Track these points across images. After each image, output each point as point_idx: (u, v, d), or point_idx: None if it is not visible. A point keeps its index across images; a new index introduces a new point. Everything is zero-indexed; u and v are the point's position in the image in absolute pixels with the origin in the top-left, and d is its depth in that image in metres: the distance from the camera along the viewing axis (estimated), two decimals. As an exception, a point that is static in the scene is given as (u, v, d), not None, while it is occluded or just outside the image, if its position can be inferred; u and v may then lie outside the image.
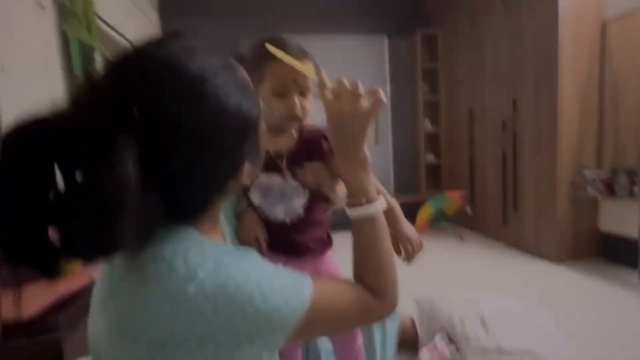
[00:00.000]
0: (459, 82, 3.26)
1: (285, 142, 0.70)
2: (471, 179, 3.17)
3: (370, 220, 0.50)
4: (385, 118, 3.65)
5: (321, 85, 0.49)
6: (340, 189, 0.73)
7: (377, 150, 3.68)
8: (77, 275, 1.19)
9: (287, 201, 0.69)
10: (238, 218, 0.70)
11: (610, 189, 2.03)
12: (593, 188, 2.10)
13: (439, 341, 0.76)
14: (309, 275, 0.45)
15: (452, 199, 3.05)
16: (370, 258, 0.50)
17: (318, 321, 0.43)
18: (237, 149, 0.41)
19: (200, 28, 3.26)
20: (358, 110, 0.47)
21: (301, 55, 0.61)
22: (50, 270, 0.33)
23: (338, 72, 0.61)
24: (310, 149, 0.70)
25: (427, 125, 3.65)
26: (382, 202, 0.51)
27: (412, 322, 0.88)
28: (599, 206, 2.31)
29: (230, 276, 0.38)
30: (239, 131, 0.40)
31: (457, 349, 0.73)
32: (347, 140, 0.50)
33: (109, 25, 2.02)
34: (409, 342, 0.87)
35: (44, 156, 0.31)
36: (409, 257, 0.70)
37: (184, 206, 0.40)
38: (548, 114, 2.26)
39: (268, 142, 0.67)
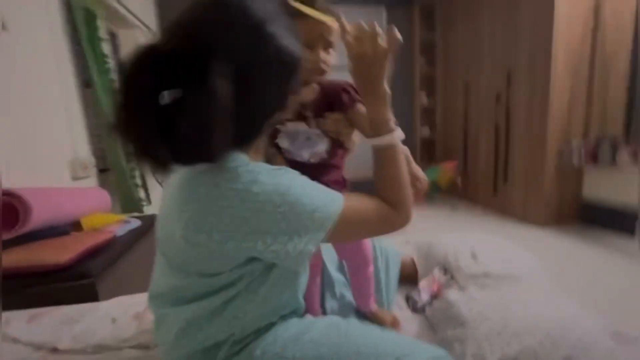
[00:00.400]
0: (456, 55, 3.30)
1: (309, 94, 0.77)
2: (464, 151, 3.28)
3: (391, 147, 0.59)
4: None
5: (343, 30, 0.57)
6: (356, 138, 0.83)
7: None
8: (102, 231, 1.29)
9: (312, 145, 0.77)
10: (268, 162, 0.79)
11: (594, 157, 2.16)
12: (578, 156, 2.23)
13: (436, 273, 0.89)
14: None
15: (445, 170, 3.18)
16: (390, 177, 0.59)
17: (348, 224, 0.53)
18: (287, 80, 0.50)
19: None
20: (377, 50, 0.55)
21: (325, 8, 0.67)
22: (163, 168, 0.45)
23: (336, 42, 0.68)
24: (331, 101, 0.78)
25: (423, 98, 3.71)
26: (400, 133, 0.60)
27: (412, 260, 1.01)
28: (584, 174, 2.45)
29: (282, 182, 0.49)
30: (289, 65, 0.49)
31: (451, 277, 0.85)
32: (369, 78, 0.57)
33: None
34: (410, 277, 1.00)
35: (160, 77, 0.41)
36: (417, 194, 0.80)
37: (247, 127, 0.50)
38: (540, 87, 2.35)
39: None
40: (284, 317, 0.60)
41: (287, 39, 0.48)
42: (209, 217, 0.47)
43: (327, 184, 0.76)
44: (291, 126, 0.77)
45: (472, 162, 3.20)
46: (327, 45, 0.70)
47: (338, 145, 0.79)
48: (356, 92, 0.77)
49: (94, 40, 1.67)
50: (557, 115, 2.32)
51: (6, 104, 1.21)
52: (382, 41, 0.55)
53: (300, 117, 0.76)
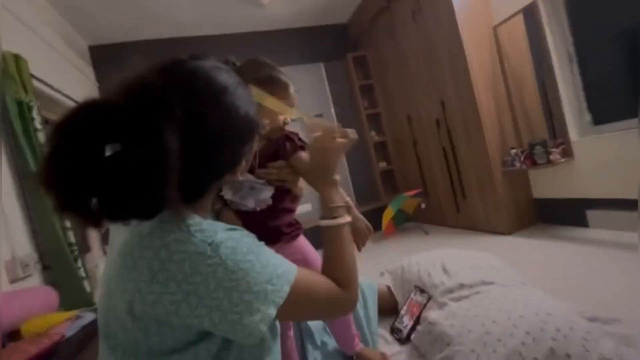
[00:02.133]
0: (393, 93, 3.61)
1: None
2: (421, 177, 3.44)
3: (338, 229, 0.62)
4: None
5: (310, 128, 0.67)
6: (303, 184, 0.85)
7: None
8: (46, 335, 1.13)
9: (256, 194, 0.77)
10: (217, 217, 0.77)
11: (532, 160, 2.37)
12: (519, 162, 2.43)
13: (414, 295, 0.87)
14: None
15: (409, 198, 3.29)
16: (337, 258, 0.60)
17: (299, 303, 0.50)
18: (240, 147, 0.52)
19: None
20: (335, 146, 0.63)
21: (287, 87, 0.78)
22: (93, 224, 0.41)
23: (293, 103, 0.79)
24: (275, 149, 0.81)
25: (374, 135, 3.94)
26: (347, 217, 0.64)
27: (389, 288, 0.98)
28: (529, 177, 2.66)
29: (238, 246, 0.46)
30: (244, 133, 0.52)
31: (430, 297, 0.84)
32: (324, 168, 0.65)
33: (45, 83, 2.00)
34: (390, 308, 0.96)
35: (101, 132, 0.39)
36: (358, 245, 0.83)
37: (192, 187, 0.48)
38: (470, 108, 2.61)
39: None
40: None
41: (246, 108, 0.50)
42: (155, 285, 0.43)
43: (279, 228, 0.75)
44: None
45: (431, 186, 3.35)
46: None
47: (285, 191, 0.80)
48: (299, 139, 0.82)
49: (29, 131, 1.62)
50: (491, 129, 2.56)
51: None
52: (339, 137, 0.64)
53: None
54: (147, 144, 0.39)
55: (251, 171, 0.79)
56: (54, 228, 1.59)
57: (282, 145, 0.82)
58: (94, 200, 0.39)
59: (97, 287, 1.91)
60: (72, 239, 1.70)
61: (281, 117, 0.79)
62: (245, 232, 0.50)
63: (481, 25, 2.59)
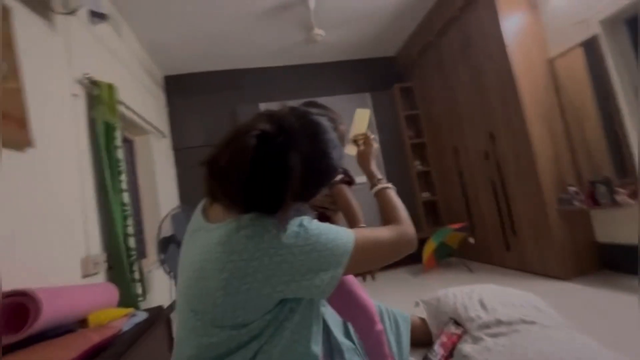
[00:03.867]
0: (439, 124, 3.58)
1: None
2: (467, 210, 3.30)
3: (386, 189, 0.87)
4: (380, 164, 3.91)
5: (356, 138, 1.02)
6: (339, 216, 0.98)
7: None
8: (107, 327, 1.27)
9: (300, 216, 0.86)
10: None
11: (594, 200, 2.18)
12: (578, 201, 2.25)
13: (449, 327, 0.85)
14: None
15: (453, 231, 3.15)
16: (392, 210, 0.81)
17: (363, 251, 0.66)
18: (324, 183, 0.70)
19: (201, 103, 3.66)
20: (370, 149, 0.98)
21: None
22: (235, 209, 0.63)
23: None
24: None
25: (418, 165, 3.89)
26: (389, 184, 0.88)
27: (423, 320, 0.96)
28: (591, 218, 2.43)
29: (307, 230, 0.61)
30: (332, 176, 0.71)
31: (465, 330, 0.81)
32: (366, 162, 0.97)
33: (128, 108, 2.33)
34: (423, 339, 0.95)
35: (260, 149, 0.60)
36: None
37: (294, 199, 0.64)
38: (522, 141, 2.50)
39: None
40: None
41: (337, 159, 0.69)
42: (253, 262, 0.56)
43: None
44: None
45: (478, 220, 3.19)
46: None
47: (325, 218, 0.87)
48: (347, 174, 1.00)
49: (110, 148, 1.89)
50: (545, 164, 2.42)
51: (30, 207, 1.33)
52: (372, 141, 0.99)
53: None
54: (282, 162, 0.59)
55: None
56: (117, 233, 1.79)
57: None
58: (242, 193, 0.59)
59: (149, 290, 2.09)
60: (132, 244, 1.90)
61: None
62: (310, 219, 0.65)
63: (535, 57, 2.53)
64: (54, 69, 1.65)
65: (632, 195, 2.07)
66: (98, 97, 1.88)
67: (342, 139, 1.06)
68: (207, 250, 0.61)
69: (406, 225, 0.76)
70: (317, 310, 0.67)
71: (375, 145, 0.99)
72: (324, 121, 0.69)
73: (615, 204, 2.08)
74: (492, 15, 2.57)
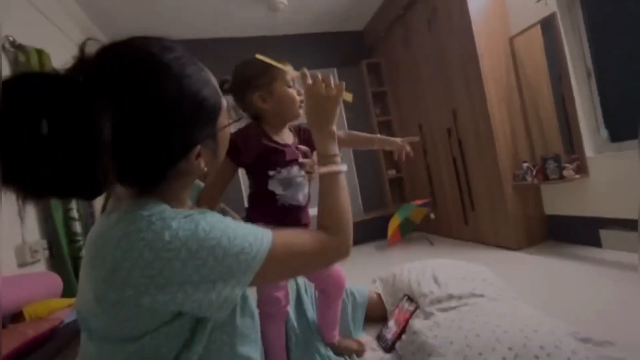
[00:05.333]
0: (405, 101, 3.59)
1: (289, 137, 0.84)
2: (431, 186, 3.40)
3: (334, 175, 0.64)
4: (345, 141, 3.88)
5: (304, 75, 0.68)
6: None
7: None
8: (46, 319, 1.17)
9: (303, 188, 0.82)
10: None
11: (544, 175, 2.31)
12: (530, 176, 2.37)
13: (402, 304, 0.85)
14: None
15: (417, 207, 3.25)
16: (331, 205, 0.62)
17: (280, 261, 0.51)
18: (188, 129, 0.49)
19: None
20: (329, 93, 0.65)
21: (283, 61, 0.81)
22: (27, 198, 0.39)
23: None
24: (311, 143, 0.84)
25: (384, 143, 3.92)
26: (344, 165, 0.66)
27: (379, 296, 0.97)
28: (541, 192, 2.58)
29: (199, 225, 0.46)
30: (192, 115, 0.49)
31: (418, 306, 0.82)
32: (321, 117, 0.66)
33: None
34: (380, 315, 0.95)
35: (40, 103, 0.37)
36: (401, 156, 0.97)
37: (141, 172, 0.48)
38: (482, 119, 2.57)
39: (278, 137, 0.84)
40: None
41: (196, 87, 0.49)
42: (119, 272, 0.43)
43: (306, 219, 0.78)
44: (285, 173, 0.80)
45: (439, 196, 3.30)
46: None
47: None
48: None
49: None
50: (503, 141, 2.51)
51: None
52: (334, 88, 0.67)
53: (294, 161, 0.80)
54: (76, 122, 0.38)
55: (298, 164, 0.82)
56: (57, 217, 1.64)
57: (306, 132, 0.88)
58: (29, 174, 0.37)
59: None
60: (79, 229, 1.75)
61: (289, 77, 0.85)
62: (210, 213, 0.50)
63: (497, 35, 2.55)
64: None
65: (577, 169, 2.22)
66: (24, 63, 1.65)
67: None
68: (87, 248, 0.49)
69: (343, 237, 0.60)
70: (242, 306, 0.55)
71: (346, 94, 0.70)
72: (156, 46, 0.47)
73: (562, 178, 2.21)
74: (457, -11, 2.54)
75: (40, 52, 1.74)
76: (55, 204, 1.64)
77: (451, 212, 3.16)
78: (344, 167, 0.66)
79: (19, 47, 1.64)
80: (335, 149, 0.66)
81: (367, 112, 3.96)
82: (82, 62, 0.44)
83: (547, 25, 2.31)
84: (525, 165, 2.43)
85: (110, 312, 0.45)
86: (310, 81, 0.66)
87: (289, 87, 0.84)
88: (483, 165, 2.66)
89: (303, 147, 0.87)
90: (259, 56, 0.74)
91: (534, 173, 2.36)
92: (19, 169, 0.37)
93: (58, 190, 0.40)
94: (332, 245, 0.57)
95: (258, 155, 0.77)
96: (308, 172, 0.85)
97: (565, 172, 2.20)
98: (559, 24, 2.24)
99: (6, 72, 1.60)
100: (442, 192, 3.25)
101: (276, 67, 0.79)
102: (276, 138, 0.84)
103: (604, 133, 2.23)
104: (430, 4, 2.92)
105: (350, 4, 3.46)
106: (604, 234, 2.16)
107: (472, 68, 2.56)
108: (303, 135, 0.91)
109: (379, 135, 1.04)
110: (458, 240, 3.08)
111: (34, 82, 0.38)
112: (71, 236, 1.72)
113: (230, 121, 0.59)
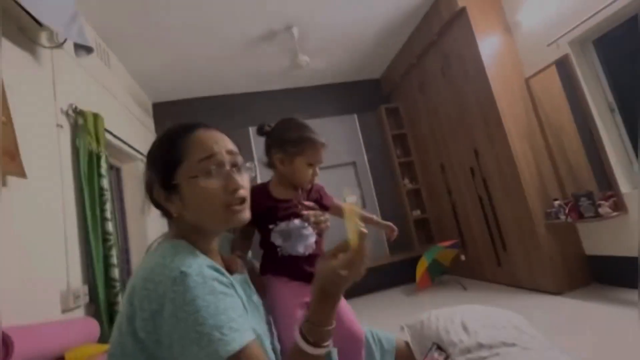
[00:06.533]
0: (426, 142, 3.65)
1: (295, 194, 0.92)
2: (458, 226, 3.31)
3: (314, 358, 0.54)
4: (368, 183, 3.94)
5: (362, 237, 0.55)
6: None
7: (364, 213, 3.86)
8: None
9: (305, 239, 0.86)
10: (232, 248, 0.86)
11: (578, 213, 2.21)
12: (564, 214, 2.28)
13: (431, 353, 0.83)
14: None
15: (444, 248, 3.14)
16: None
17: None
18: (164, 168, 0.62)
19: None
20: (361, 268, 0.55)
21: (316, 146, 0.95)
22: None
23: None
24: (315, 197, 0.93)
25: (407, 183, 3.93)
26: (329, 346, 0.56)
27: (407, 344, 0.95)
28: (578, 231, 2.45)
29: (205, 283, 0.50)
30: (165, 158, 0.62)
31: (447, 356, 0.80)
32: (341, 285, 0.55)
33: (115, 136, 2.34)
34: (407, 364, 0.93)
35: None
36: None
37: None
38: (506, 157, 2.56)
39: (282, 194, 0.92)
40: None
41: (165, 143, 0.66)
42: (134, 299, 0.51)
43: (314, 273, 0.79)
44: (284, 225, 0.87)
45: (468, 237, 3.20)
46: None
47: (319, 235, 0.88)
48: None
49: (94, 177, 1.87)
50: (529, 178, 2.46)
51: (11, 238, 1.30)
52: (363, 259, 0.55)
53: (293, 215, 0.87)
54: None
55: (299, 217, 0.89)
56: (97, 264, 1.75)
57: (323, 193, 0.96)
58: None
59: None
60: (116, 275, 1.85)
61: (317, 172, 0.95)
62: (221, 278, 0.53)
63: (512, 77, 2.63)
64: (40, 101, 1.67)
65: (614, 207, 2.11)
66: (83, 126, 1.89)
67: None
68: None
69: None
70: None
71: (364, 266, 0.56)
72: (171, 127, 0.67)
73: (599, 216, 2.11)
74: (468, 38, 2.69)
75: (95, 116, 2.00)
76: (97, 250, 1.77)
77: (482, 254, 3.03)
78: (329, 348, 0.55)
79: (79, 113, 1.89)
80: (330, 321, 0.56)
81: (388, 154, 4.04)
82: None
83: (562, 65, 2.36)
84: (556, 202, 2.35)
85: (123, 341, 0.51)
86: (361, 255, 0.54)
87: (310, 165, 0.92)
88: (510, 203, 2.60)
89: (309, 203, 0.93)
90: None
91: (566, 211, 2.27)
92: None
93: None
94: None
95: (260, 212, 0.83)
96: (316, 223, 0.90)
97: (601, 210, 2.11)
98: (573, 64, 2.29)
99: (67, 133, 1.83)
100: (470, 232, 3.16)
101: (309, 143, 0.91)
102: (276, 194, 0.93)
103: (637, 167, 2.15)
104: (442, 52, 3.08)
105: (367, 55, 3.71)
106: (654, 276, 1.99)
107: (490, 109, 2.62)
108: (311, 193, 0.98)
109: (374, 217, 1.22)
110: (492, 284, 2.92)
111: None
112: (109, 281, 1.81)
113: (202, 173, 0.59)
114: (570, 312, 2.00)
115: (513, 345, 0.75)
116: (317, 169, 0.95)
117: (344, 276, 0.53)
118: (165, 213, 0.64)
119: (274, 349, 0.72)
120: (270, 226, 0.88)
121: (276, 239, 0.88)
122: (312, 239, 0.89)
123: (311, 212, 0.90)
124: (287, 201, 0.91)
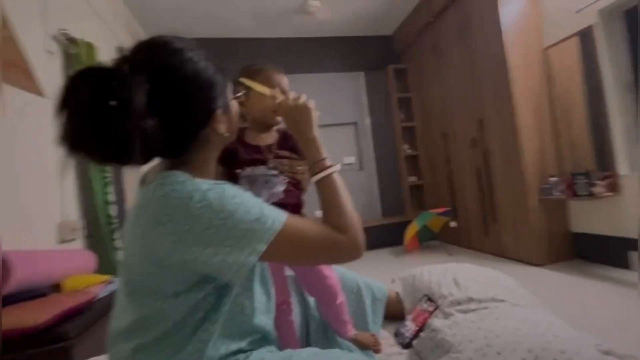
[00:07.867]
0: (431, 108, 3.57)
1: (267, 139, 0.87)
2: (452, 195, 3.36)
3: (327, 180, 0.66)
4: (368, 145, 3.90)
5: (272, 96, 0.74)
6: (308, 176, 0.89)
7: (362, 175, 3.87)
8: (82, 292, 1.26)
9: (270, 187, 0.84)
10: None
11: (573, 191, 2.24)
12: (558, 191, 2.30)
13: (421, 304, 0.87)
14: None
15: (436, 215, 3.21)
16: (333, 206, 0.64)
17: (289, 242, 0.55)
18: (206, 101, 0.58)
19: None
20: (298, 105, 0.70)
21: (270, 73, 0.88)
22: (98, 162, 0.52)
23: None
24: (291, 144, 0.87)
25: (406, 149, 3.90)
26: (336, 165, 0.68)
27: (397, 295, 0.99)
28: (568, 209, 2.50)
29: (225, 191, 0.53)
30: (207, 88, 0.58)
31: (437, 307, 0.84)
32: (298, 127, 0.70)
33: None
34: (397, 313, 0.97)
35: (98, 87, 0.48)
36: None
37: (172, 140, 0.56)
38: (510, 130, 2.52)
39: (253, 139, 0.86)
40: (253, 344, 0.59)
41: (206, 70, 0.58)
42: (159, 227, 0.51)
43: None
44: (250, 170, 0.84)
45: (461, 206, 3.26)
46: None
47: (294, 185, 0.85)
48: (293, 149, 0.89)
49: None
50: (530, 154, 2.45)
51: (8, 169, 1.27)
52: (303, 100, 0.71)
53: (258, 161, 0.84)
54: (121, 98, 0.48)
55: (264, 163, 0.85)
56: (96, 200, 1.75)
57: (293, 141, 0.88)
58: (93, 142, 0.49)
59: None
60: (113, 212, 1.86)
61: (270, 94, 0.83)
62: (232, 185, 0.56)
63: (530, 46, 2.51)
64: (27, 24, 1.54)
65: (609, 187, 2.14)
66: (76, 56, 1.78)
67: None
68: (131, 215, 0.58)
69: (349, 235, 0.60)
70: (260, 276, 0.62)
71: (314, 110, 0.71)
72: (169, 37, 0.58)
73: (592, 195, 2.14)
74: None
75: (89, 45, 1.87)
76: (96, 188, 1.76)
77: (472, 223, 3.10)
78: (335, 167, 0.67)
79: (71, 40, 1.77)
80: (320, 153, 0.68)
81: (391, 117, 3.96)
82: (125, 57, 0.56)
83: (585, 36, 2.25)
84: (552, 179, 2.37)
85: (150, 269, 0.53)
86: (278, 100, 0.71)
87: (265, 95, 0.83)
88: (508, 177, 2.61)
89: (284, 153, 0.88)
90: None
91: (562, 188, 2.29)
92: (85, 136, 0.49)
93: (114, 154, 0.51)
94: (338, 241, 0.58)
95: (227, 154, 0.79)
96: (292, 173, 0.86)
97: (594, 189, 2.13)
98: (596, 36, 2.18)
99: (58, 60, 1.73)
100: (463, 201, 3.21)
101: (253, 72, 0.85)
102: (247, 139, 0.88)
103: (641, 150, 2.14)
104: (462, 12, 2.90)
105: (380, 9, 3.48)
106: (633, 255, 2.07)
107: (501, 78, 2.53)
108: (285, 136, 0.93)
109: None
110: (477, 252, 3.03)
111: (98, 73, 0.50)
112: (108, 219, 1.83)
113: (236, 95, 0.67)
114: (547, 283, 2.10)
115: (502, 301, 0.78)
116: (286, 97, 0.85)
117: (293, 105, 0.69)
118: (173, 153, 0.60)
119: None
120: (238, 171, 0.85)
121: (244, 184, 0.86)
122: (280, 188, 0.85)
123: (286, 161, 0.87)
124: (254, 146, 0.87)
